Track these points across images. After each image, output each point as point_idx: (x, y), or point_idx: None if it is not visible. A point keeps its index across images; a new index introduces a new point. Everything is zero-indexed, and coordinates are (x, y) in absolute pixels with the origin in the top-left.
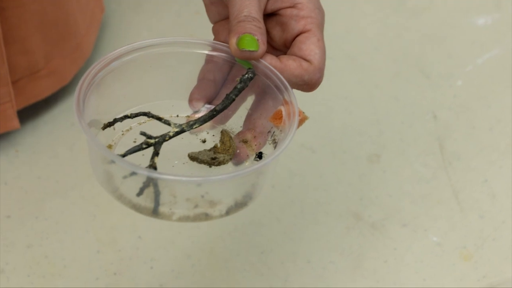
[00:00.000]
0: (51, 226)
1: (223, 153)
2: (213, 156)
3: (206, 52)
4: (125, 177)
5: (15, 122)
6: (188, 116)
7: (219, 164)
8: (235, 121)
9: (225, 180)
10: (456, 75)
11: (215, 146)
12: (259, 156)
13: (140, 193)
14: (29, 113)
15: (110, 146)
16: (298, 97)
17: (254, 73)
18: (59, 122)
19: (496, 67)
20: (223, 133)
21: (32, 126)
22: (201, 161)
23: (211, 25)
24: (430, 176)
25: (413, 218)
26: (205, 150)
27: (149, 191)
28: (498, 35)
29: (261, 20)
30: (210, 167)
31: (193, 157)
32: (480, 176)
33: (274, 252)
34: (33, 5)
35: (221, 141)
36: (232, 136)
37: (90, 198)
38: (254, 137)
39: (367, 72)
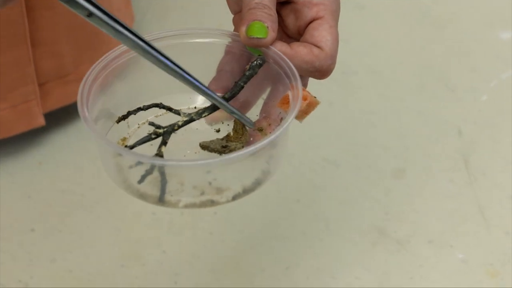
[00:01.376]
0: (76, 240)
1: (235, 141)
2: (225, 144)
3: (225, 42)
4: (131, 167)
5: (41, 120)
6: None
7: (230, 152)
8: (254, 111)
9: (230, 160)
10: (481, 90)
11: (227, 135)
12: None
13: (141, 180)
14: (53, 125)
15: (125, 139)
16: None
17: (264, 60)
18: (83, 134)
19: None
20: (236, 121)
21: (55, 138)
22: (212, 150)
23: None
24: (455, 192)
25: (439, 234)
26: (217, 138)
27: (156, 179)
28: None
29: (273, 7)
30: (221, 155)
31: (204, 146)
32: (506, 192)
33: (299, 267)
34: (63, 8)
35: (234, 129)
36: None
37: (115, 212)
38: (269, 124)
39: (392, 86)
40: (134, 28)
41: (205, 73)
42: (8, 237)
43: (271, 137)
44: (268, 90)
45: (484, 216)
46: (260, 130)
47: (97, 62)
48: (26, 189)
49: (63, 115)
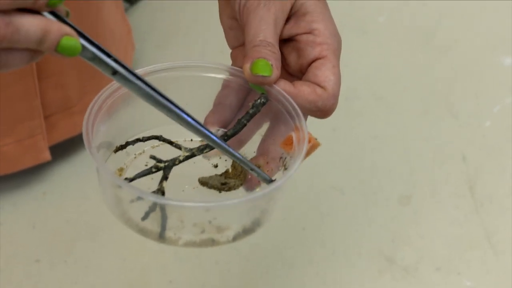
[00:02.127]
0: (81, 270)
1: (234, 178)
2: (224, 181)
3: (223, 77)
4: (132, 201)
5: (46, 154)
6: (201, 140)
7: (229, 189)
8: (249, 147)
9: (231, 205)
10: (485, 115)
11: (226, 171)
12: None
13: (145, 217)
14: (56, 153)
15: (121, 169)
16: (322, 132)
17: (267, 99)
18: (87, 163)
19: None
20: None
21: (59, 168)
22: (211, 186)
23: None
24: (462, 218)
25: (446, 261)
26: (216, 175)
27: (156, 215)
28: None
29: (276, 45)
30: (220, 192)
31: (203, 182)
32: None
33: None
34: None
35: (233, 166)
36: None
37: (119, 241)
38: (267, 162)
39: (395, 111)
40: (135, 56)
41: (201, 106)
42: (13, 268)
43: (277, 183)
44: (264, 126)
45: (491, 243)
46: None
47: (102, 91)
48: (31, 219)
49: (67, 145)
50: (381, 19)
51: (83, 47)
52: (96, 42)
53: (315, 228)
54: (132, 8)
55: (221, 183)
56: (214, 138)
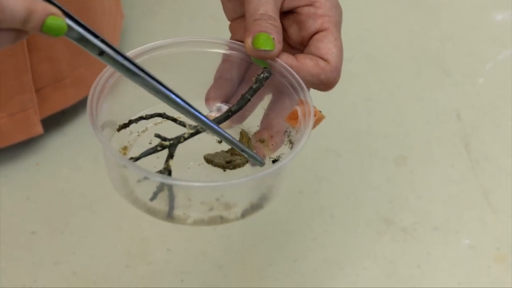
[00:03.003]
0: (78, 241)
1: (239, 155)
2: (229, 159)
3: (222, 51)
4: (139, 181)
5: (39, 128)
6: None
7: (234, 167)
8: (252, 121)
9: (239, 184)
10: (478, 73)
11: (232, 148)
12: (274, 161)
13: (153, 197)
14: (48, 124)
15: (125, 148)
16: (316, 97)
17: (270, 73)
18: (80, 133)
19: None
20: (242, 134)
21: (51, 138)
22: (216, 164)
23: (226, 30)
24: (458, 177)
25: (444, 221)
26: (222, 151)
27: (164, 194)
28: None
29: (278, 18)
30: (225, 170)
31: (208, 160)
32: (509, 175)
33: (306, 260)
34: None
35: (240, 141)
36: (250, 135)
37: (116, 211)
38: (271, 136)
39: (389, 72)
40: (124, 25)
41: (202, 82)
42: (9, 240)
43: (284, 161)
44: (266, 99)
45: (489, 201)
46: (262, 141)
47: (104, 70)
48: (25, 191)
49: (58, 115)
50: None
51: (69, 27)
52: (83, 22)
53: (312, 192)
54: None
55: (226, 161)
56: (204, 119)
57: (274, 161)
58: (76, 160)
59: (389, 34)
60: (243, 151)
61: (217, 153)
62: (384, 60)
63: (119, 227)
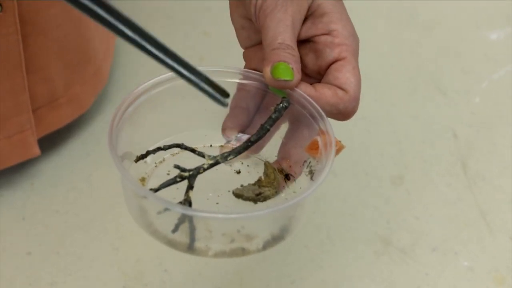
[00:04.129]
0: (74, 262)
1: (268, 187)
2: (258, 191)
3: (237, 80)
4: (159, 212)
5: (36, 149)
6: (221, 146)
7: (265, 199)
8: (269, 150)
9: (262, 215)
10: (473, 92)
11: (259, 180)
12: (287, 176)
13: (175, 229)
14: (43, 144)
15: (143, 179)
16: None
17: (289, 103)
18: (74, 153)
19: (511, 83)
20: (267, 165)
21: (46, 159)
22: (246, 198)
23: (220, 46)
24: (455, 197)
25: (442, 241)
26: (249, 184)
27: (184, 226)
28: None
29: (296, 47)
30: (256, 203)
31: (238, 194)
32: (507, 195)
33: (304, 280)
34: (55, 32)
35: (265, 173)
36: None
37: (112, 231)
38: (290, 166)
39: (384, 91)
40: (118, 43)
41: (218, 111)
42: (4, 261)
43: (307, 193)
44: (282, 128)
45: (487, 221)
46: (280, 171)
47: (123, 100)
48: (20, 211)
49: (53, 135)
50: None
51: None
52: None
53: (309, 212)
54: None
55: (256, 194)
56: (179, 58)
57: (285, 178)
58: (71, 180)
59: (384, 52)
60: (202, 89)
61: (244, 187)
62: (380, 79)
63: (115, 248)
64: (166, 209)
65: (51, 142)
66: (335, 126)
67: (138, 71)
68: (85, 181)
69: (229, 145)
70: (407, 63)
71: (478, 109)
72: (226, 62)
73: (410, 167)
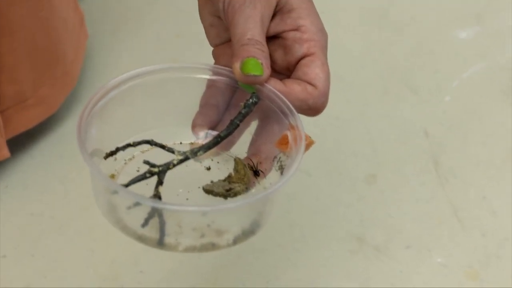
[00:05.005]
0: (49, 264)
1: (238, 183)
2: (228, 187)
3: (207, 77)
4: (129, 207)
5: (5, 151)
6: (191, 143)
7: (235, 195)
8: (240, 147)
9: (232, 208)
10: (444, 91)
11: (229, 176)
12: (256, 173)
13: (145, 223)
14: (15, 147)
15: (113, 176)
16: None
17: (259, 98)
18: (47, 154)
19: (482, 81)
20: (237, 161)
21: (19, 160)
22: (216, 194)
23: (192, 48)
24: (428, 195)
25: (416, 239)
26: (219, 180)
27: (154, 221)
28: (481, 49)
29: (265, 43)
30: (226, 199)
31: (208, 190)
32: (478, 192)
33: (279, 280)
34: (23, 33)
35: (235, 169)
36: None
37: (86, 233)
38: (260, 162)
39: (355, 90)
40: (89, 44)
41: (187, 108)
42: None
43: (277, 185)
44: (253, 124)
45: (459, 218)
46: (251, 167)
47: (91, 96)
48: None
49: (23, 135)
50: None
51: None
52: None
53: (283, 212)
54: None
55: (226, 190)
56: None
57: (254, 174)
58: (44, 182)
59: (356, 52)
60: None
61: (214, 183)
62: (352, 79)
63: (90, 249)
64: (136, 204)
65: (22, 144)
66: (308, 126)
67: (110, 72)
68: (59, 182)
69: (199, 142)
70: (379, 63)
71: (449, 108)
72: None
73: (383, 166)
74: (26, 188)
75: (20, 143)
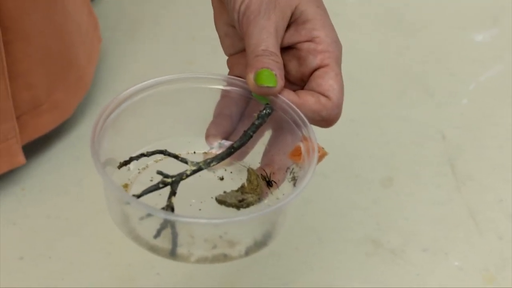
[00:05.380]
0: (66, 267)
1: (251, 193)
2: (241, 198)
3: (221, 87)
4: (141, 218)
5: (21, 158)
6: (205, 153)
7: (247, 205)
8: (253, 157)
9: (244, 221)
10: (461, 94)
11: (242, 186)
12: (269, 183)
13: (157, 235)
14: (31, 150)
15: (126, 185)
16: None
17: (272, 109)
18: (63, 157)
19: (498, 84)
20: (250, 171)
21: (35, 163)
22: (229, 205)
23: (208, 51)
24: (445, 198)
25: (432, 242)
26: (232, 191)
27: (167, 232)
28: (498, 51)
29: (279, 54)
30: (239, 209)
31: (220, 201)
32: (495, 196)
33: (296, 283)
34: (37, 38)
35: (248, 180)
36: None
37: (103, 235)
38: (273, 173)
39: (372, 93)
40: (102, 48)
41: (201, 118)
42: None
43: (290, 197)
44: (266, 135)
45: (476, 221)
46: (264, 178)
47: (105, 105)
48: (11, 216)
49: (40, 139)
50: (350, 0)
51: None
52: None
53: (299, 215)
54: None
55: (239, 200)
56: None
57: (267, 184)
58: (61, 185)
59: (371, 55)
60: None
61: (227, 193)
62: (368, 81)
63: (107, 252)
64: (148, 215)
65: (39, 147)
66: (323, 130)
67: (125, 76)
68: (76, 185)
69: (213, 152)
70: (395, 66)
71: (466, 111)
72: (214, 66)
73: (399, 169)
74: (42, 191)
75: (36, 146)
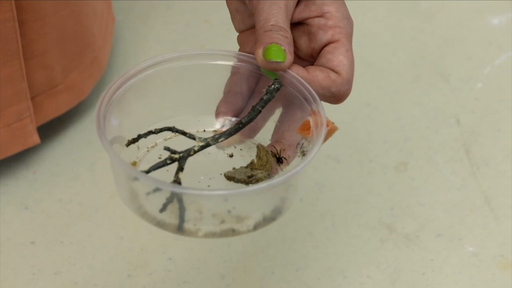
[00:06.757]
0: (78, 251)
1: (260, 169)
2: (250, 174)
3: (231, 63)
4: (148, 193)
5: (35, 138)
6: (215, 131)
7: (257, 181)
8: (264, 134)
9: (250, 193)
10: (476, 78)
11: (251, 162)
12: (279, 160)
13: (163, 209)
14: (44, 133)
15: (135, 163)
16: (326, 107)
17: (281, 84)
18: (77, 141)
19: None
20: (259, 148)
21: (47, 147)
22: (237, 180)
23: (221, 34)
24: (460, 183)
25: (447, 227)
26: (241, 167)
27: (174, 207)
28: None
29: (289, 29)
30: (248, 185)
31: (229, 177)
32: (511, 180)
33: (309, 268)
34: (53, 18)
35: (258, 156)
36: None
37: (115, 220)
38: (283, 149)
39: (387, 77)
40: (116, 30)
41: (211, 95)
42: (8, 251)
43: (296, 169)
44: (277, 112)
45: (491, 207)
46: (274, 155)
47: (112, 83)
48: (23, 200)
49: (54, 122)
50: None
51: None
52: None
53: (313, 199)
54: None
55: (248, 176)
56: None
57: (277, 161)
58: (74, 169)
59: (387, 40)
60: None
61: (236, 169)
62: (382, 66)
63: (120, 237)
64: (156, 190)
65: (52, 130)
66: (340, 113)
67: (139, 58)
68: (88, 169)
69: (223, 130)
70: (410, 50)
71: (481, 95)
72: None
73: (414, 154)
74: (55, 175)
75: (49, 129)
